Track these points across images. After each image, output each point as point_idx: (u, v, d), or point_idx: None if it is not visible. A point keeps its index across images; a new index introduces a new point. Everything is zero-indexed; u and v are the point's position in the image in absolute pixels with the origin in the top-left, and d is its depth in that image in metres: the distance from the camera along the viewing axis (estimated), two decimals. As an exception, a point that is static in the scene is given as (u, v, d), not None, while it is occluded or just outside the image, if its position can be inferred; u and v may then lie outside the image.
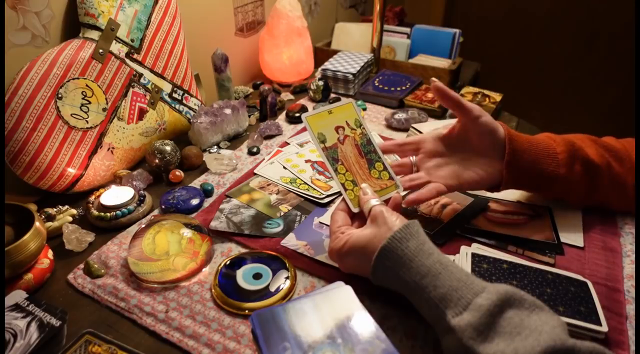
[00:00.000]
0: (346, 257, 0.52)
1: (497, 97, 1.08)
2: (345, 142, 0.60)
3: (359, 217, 0.57)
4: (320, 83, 1.11)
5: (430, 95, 1.11)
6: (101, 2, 0.75)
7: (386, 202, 0.57)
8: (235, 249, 0.64)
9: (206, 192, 0.76)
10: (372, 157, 0.61)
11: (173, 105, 0.90)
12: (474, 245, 0.62)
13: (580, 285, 0.54)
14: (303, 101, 1.13)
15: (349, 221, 0.56)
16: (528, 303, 0.40)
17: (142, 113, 0.84)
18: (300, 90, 1.21)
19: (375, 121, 1.04)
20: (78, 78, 0.73)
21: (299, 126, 1.00)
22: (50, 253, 0.61)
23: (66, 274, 0.60)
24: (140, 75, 0.82)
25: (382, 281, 0.50)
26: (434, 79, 0.61)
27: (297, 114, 1.02)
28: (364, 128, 0.62)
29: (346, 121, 0.61)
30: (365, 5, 1.96)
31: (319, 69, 1.20)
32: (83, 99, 0.74)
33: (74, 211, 0.71)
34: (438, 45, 1.42)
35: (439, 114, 1.05)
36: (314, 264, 0.61)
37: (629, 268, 0.60)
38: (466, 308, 0.41)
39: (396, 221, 0.50)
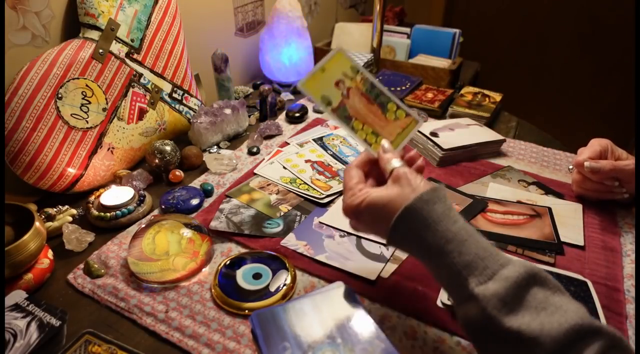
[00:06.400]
0: (362, 215, 0.49)
1: (497, 97, 1.08)
2: (351, 95, 0.56)
3: (373, 176, 0.53)
4: (320, 83, 1.11)
5: (430, 95, 1.11)
6: (101, 2, 0.75)
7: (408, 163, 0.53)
8: (235, 249, 0.64)
9: (206, 192, 0.76)
10: (382, 99, 0.57)
11: (173, 105, 0.90)
12: (474, 245, 0.62)
13: (580, 285, 0.54)
14: (303, 101, 1.13)
15: (364, 178, 0.52)
16: (552, 284, 0.40)
17: (142, 113, 0.84)
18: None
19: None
20: (78, 78, 0.73)
21: (299, 126, 1.00)
22: (50, 253, 0.61)
23: (66, 274, 0.60)
24: (140, 75, 0.82)
25: (398, 242, 0.47)
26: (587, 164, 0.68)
27: (297, 114, 1.02)
28: (362, 73, 0.57)
29: (343, 73, 0.56)
30: (365, 5, 1.96)
31: (319, 69, 1.20)
32: (83, 99, 0.74)
33: (74, 211, 0.71)
34: (438, 45, 1.42)
35: (439, 114, 1.05)
36: (314, 264, 0.61)
37: (629, 267, 0.60)
38: (491, 278, 0.39)
39: (421, 183, 0.47)
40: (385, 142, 0.53)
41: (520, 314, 0.37)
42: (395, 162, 0.50)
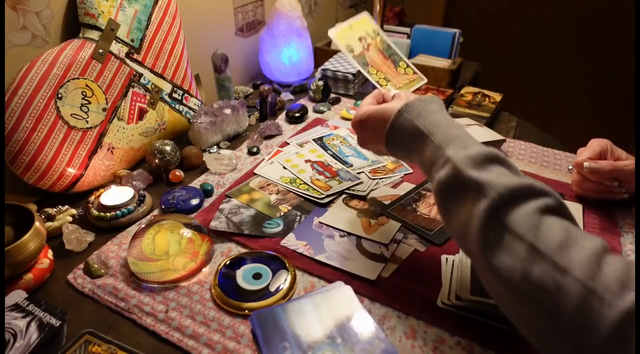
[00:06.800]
0: (366, 123, 0.57)
1: (497, 97, 1.08)
2: (370, 49, 0.72)
3: None
4: (320, 83, 1.11)
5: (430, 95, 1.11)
6: (101, 2, 0.75)
7: None
8: (235, 249, 0.64)
9: (206, 192, 0.76)
10: (395, 58, 0.71)
11: (173, 105, 0.90)
12: (474, 245, 0.62)
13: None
14: (303, 101, 1.13)
15: (375, 103, 0.61)
16: (520, 173, 0.44)
17: (142, 113, 0.84)
18: (300, 90, 1.21)
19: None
20: (78, 78, 0.73)
21: (299, 126, 1.01)
22: (50, 253, 0.61)
23: (66, 274, 0.60)
24: (140, 75, 0.82)
25: (395, 135, 0.52)
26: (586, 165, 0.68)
27: (297, 115, 1.02)
28: (381, 35, 0.73)
29: (366, 31, 0.72)
30: (365, 5, 1.96)
31: (319, 69, 1.20)
32: (83, 99, 0.74)
33: (74, 211, 0.71)
34: (438, 45, 1.42)
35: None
36: (314, 264, 0.61)
37: (628, 267, 0.60)
38: (466, 149, 0.45)
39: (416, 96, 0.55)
40: (389, 86, 0.63)
41: (483, 172, 0.42)
42: (396, 91, 0.59)
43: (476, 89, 1.11)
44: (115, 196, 0.71)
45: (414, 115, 0.51)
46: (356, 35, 0.70)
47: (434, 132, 0.48)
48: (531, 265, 0.36)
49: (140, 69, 0.82)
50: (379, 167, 0.82)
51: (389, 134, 0.53)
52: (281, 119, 1.05)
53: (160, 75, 0.86)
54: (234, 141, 0.96)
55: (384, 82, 0.66)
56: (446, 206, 0.45)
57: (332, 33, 0.71)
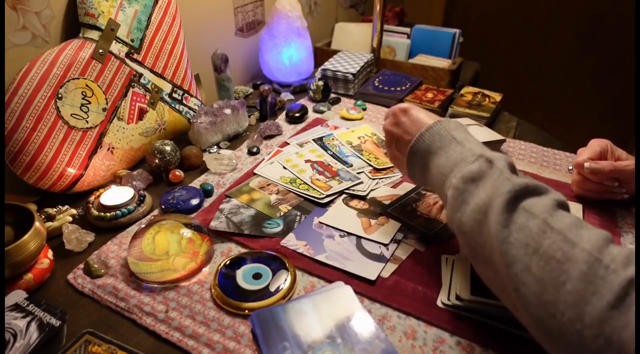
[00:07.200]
0: (408, 111, 0.62)
1: (497, 97, 1.08)
2: (366, 142, 0.91)
3: None
4: (320, 83, 1.11)
5: (430, 95, 1.11)
6: (101, 2, 0.75)
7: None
8: (235, 249, 0.64)
9: (206, 192, 0.76)
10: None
11: (173, 105, 0.90)
12: (474, 245, 0.62)
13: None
14: (303, 101, 1.13)
15: None
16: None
17: (142, 113, 0.84)
18: (300, 90, 1.21)
19: (375, 120, 1.04)
20: (78, 78, 0.73)
21: (299, 126, 1.01)
22: (50, 253, 0.61)
23: (66, 274, 0.60)
24: (140, 75, 0.82)
25: (430, 134, 0.56)
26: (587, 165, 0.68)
27: (297, 115, 1.02)
28: (378, 135, 0.93)
29: (365, 133, 0.94)
30: (365, 5, 1.96)
31: (319, 69, 1.20)
32: (83, 99, 0.74)
33: (73, 211, 0.71)
34: (438, 45, 1.42)
35: (439, 114, 1.05)
36: (314, 264, 0.61)
37: (628, 267, 0.60)
38: (495, 154, 0.50)
39: None
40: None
41: (511, 171, 0.47)
42: None
43: (476, 89, 1.11)
44: (115, 196, 0.71)
45: (452, 127, 0.56)
46: (356, 135, 0.91)
47: (467, 141, 0.53)
48: (542, 239, 0.39)
49: (140, 69, 0.82)
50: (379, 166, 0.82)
51: (426, 132, 0.57)
52: (281, 119, 1.05)
53: (160, 75, 0.86)
54: (234, 141, 0.96)
55: (373, 160, 0.83)
56: (465, 195, 0.48)
57: (336, 134, 0.92)
